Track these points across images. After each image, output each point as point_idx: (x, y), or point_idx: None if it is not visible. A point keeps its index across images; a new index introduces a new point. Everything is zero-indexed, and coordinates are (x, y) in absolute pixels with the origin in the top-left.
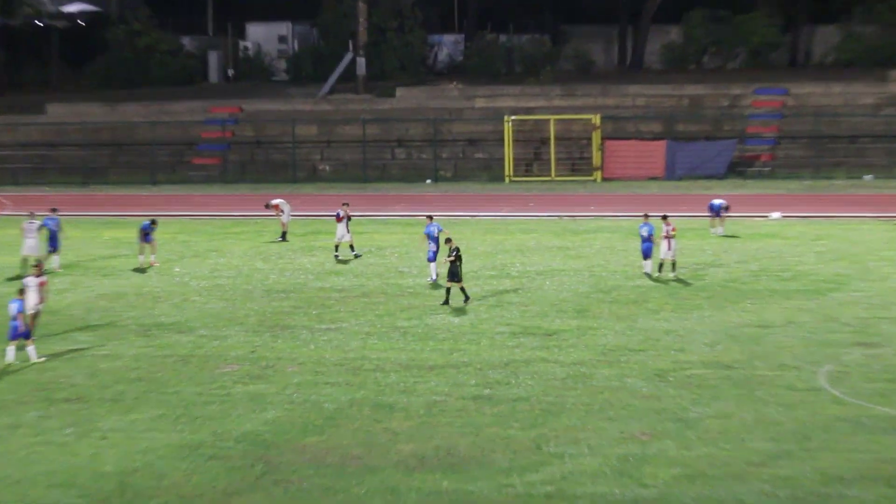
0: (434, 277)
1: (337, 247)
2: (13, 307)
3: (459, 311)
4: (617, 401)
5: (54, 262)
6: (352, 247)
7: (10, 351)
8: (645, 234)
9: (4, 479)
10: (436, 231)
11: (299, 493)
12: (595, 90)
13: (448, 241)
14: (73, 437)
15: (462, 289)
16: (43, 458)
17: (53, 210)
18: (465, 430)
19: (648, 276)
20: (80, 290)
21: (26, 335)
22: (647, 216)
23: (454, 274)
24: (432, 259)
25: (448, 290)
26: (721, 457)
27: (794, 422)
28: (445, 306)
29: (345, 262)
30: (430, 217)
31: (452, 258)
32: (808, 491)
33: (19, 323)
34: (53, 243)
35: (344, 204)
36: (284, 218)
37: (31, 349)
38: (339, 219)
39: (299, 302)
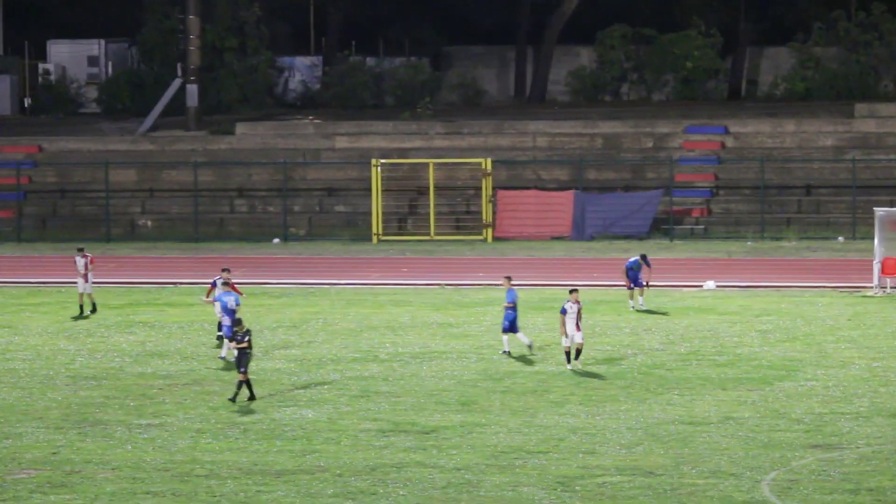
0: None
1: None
2: None
3: (314, 403)
4: None
5: None
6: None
7: None
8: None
9: None
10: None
11: None
12: (486, 127)
13: (238, 322)
14: None
15: (248, 383)
16: None
17: None
18: None
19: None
20: None
21: None
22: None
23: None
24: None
25: (240, 383)
26: None
27: None
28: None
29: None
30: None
31: (244, 344)
32: None
33: None
34: None
35: (224, 270)
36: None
37: None
38: (212, 288)
39: (114, 391)
